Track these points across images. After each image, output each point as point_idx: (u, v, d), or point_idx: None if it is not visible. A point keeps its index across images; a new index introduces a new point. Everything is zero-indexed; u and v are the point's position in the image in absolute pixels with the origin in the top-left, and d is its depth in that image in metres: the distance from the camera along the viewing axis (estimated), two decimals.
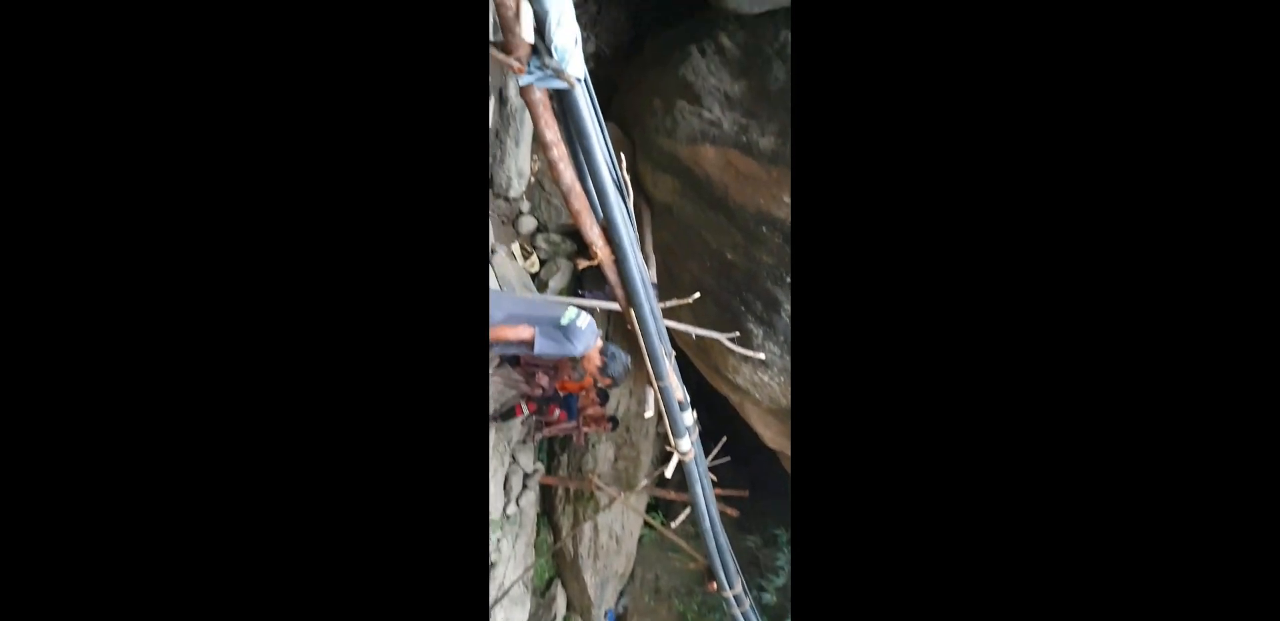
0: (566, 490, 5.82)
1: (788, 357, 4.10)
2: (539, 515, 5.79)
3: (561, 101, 1.96)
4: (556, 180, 2.19)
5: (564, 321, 2.59)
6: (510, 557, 5.14)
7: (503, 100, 4.27)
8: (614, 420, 4.83)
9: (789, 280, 3.90)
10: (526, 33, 1.63)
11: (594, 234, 2.38)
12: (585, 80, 1.89)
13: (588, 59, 1.89)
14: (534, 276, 5.02)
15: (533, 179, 4.98)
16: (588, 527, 5.71)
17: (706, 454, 3.98)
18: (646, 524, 5.97)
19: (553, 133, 2.02)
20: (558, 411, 4.66)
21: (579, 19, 1.92)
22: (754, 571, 6.05)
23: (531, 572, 5.54)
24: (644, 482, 5.44)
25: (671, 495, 5.32)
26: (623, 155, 2.31)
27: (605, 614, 5.87)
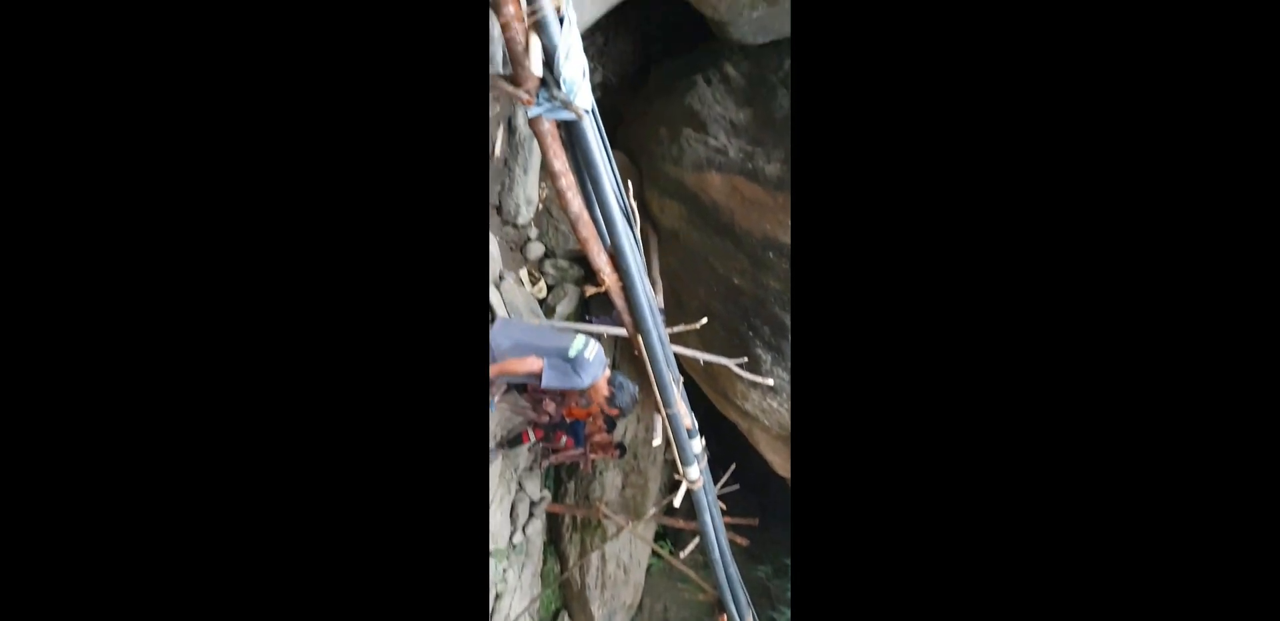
0: (573, 518, 5.74)
1: None
2: (545, 544, 5.69)
3: (570, 132, 1.99)
4: (565, 208, 2.21)
5: (572, 353, 2.59)
6: (516, 588, 5.04)
7: (511, 129, 4.34)
8: (621, 447, 4.78)
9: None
10: (536, 65, 1.66)
11: (601, 261, 2.39)
12: (593, 111, 1.92)
13: (595, 89, 1.93)
14: (541, 302, 5.03)
15: (541, 206, 5.03)
16: (595, 557, 5.61)
17: (715, 481, 3.92)
18: (655, 553, 5.85)
19: (561, 162, 2.04)
20: (564, 438, 4.61)
21: (586, 51, 1.96)
22: (765, 602, 5.90)
23: (538, 603, 5.42)
24: (652, 511, 5.35)
25: (680, 524, 5.23)
26: (629, 183, 2.34)
27: None
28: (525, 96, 1.73)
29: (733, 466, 4.85)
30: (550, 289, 5.17)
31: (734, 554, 3.78)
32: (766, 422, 4.47)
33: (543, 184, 4.91)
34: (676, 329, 3.44)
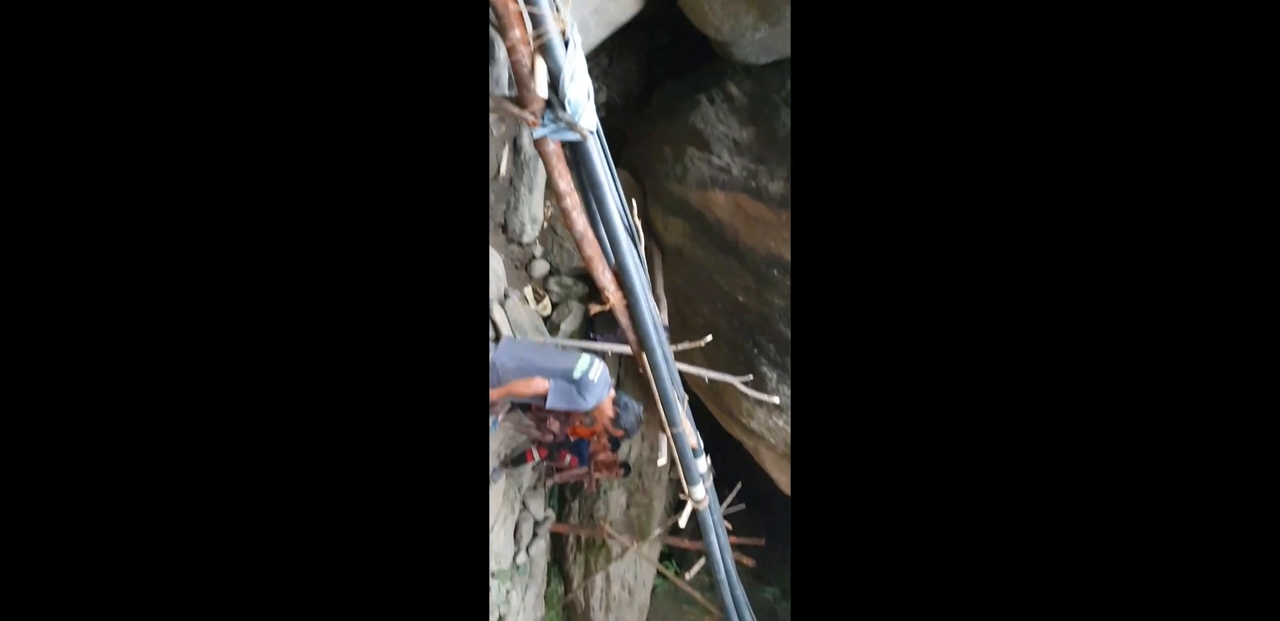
0: (578, 538, 5.67)
1: None
2: (549, 564, 5.62)
3: (574, 152, 2.01)
4: (570, 227, 2.22)
5: (576, 374, 2.58)
6: (520, 610, 4.97)
7: (517, 149, 4.38)
8: (626, 466, 4.74)
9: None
10: (541, 88, 1.68)
11: (606, 279, 2.40)
12: (597, 131, 1.94)
13: (599, 108, 1.94)
14: (546, 320, 5.03)
15: (546, 224, 5.06)
16: (600, 578, 5.53)
17: (721, 501, 3.88)
18: (660, 574, 5.78)
19: (566, 182, 2.06)
20: (569, 457, 4.58)
21: (591, 71, 1.98)
22: None
23: None
24: (657, 531, 5.29)
25: (686, 544, 5.16)
26: (634, 201, 2.35)
27: None
28: (531, 118, 1.75)
29: (738, 486, 4.80)
30: (555, 306, 5.17)
31: (740, 575, 3.72)
32: (772, 441, 4.43)
33: (548, 202, 4.95)
34: (681, 346, 3.44)
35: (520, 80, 1.71)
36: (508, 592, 4.89)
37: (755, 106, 4.31)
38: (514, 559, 5.00)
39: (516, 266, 4.97)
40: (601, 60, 5.10)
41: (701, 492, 3.20)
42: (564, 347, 4.22)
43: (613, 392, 2.79)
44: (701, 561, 4.53)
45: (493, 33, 2.09)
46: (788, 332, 4.02)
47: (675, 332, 4.45)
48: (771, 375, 4.11)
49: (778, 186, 3.99)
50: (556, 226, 5.05)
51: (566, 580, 5.71)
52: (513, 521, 5.02)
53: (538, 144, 1.92)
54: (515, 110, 1.76)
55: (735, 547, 4.06)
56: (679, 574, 5.18)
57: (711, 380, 3.89)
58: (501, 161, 4.38)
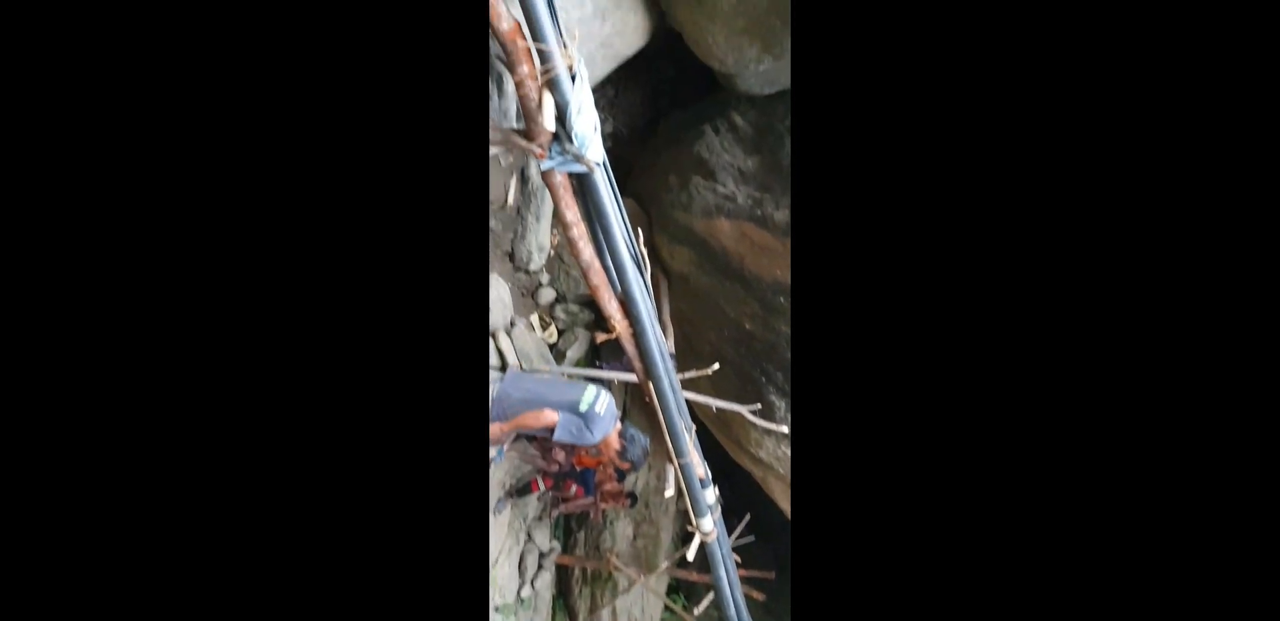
0: (583, 571, 5.56)
1: None
2: (554, 598, 5.50)
3: (581, 183, 2.03)
4: (576, 257, 2.23)
5: (583, 406, 2.57)
6: None
7: (524, 179, 4.44)
8: (633, 496, 4.67)
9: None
10: (548, 121, 1.71)
11: (612, 307, 2.40)
12: (603, 163, 1.96)
13: (606, 138, 1.97)
14: (552, 347, 5.02)
15: (552, 252, 5.09)
16: (606, 613, 5.40)
17: (730, 532, 3.81)
18: (668, 608, 5.63)
19: (573, 213, 2.08)
20: (574, 487, 4.52)
21: (598, 103, 2.02)
22: None
23: None
24: (665, 564, 5.18)
25: (694, 577, 5.05)
26: (640, 230, 2.37)
27: None
28: (539, 150, 1.77)
29: (747, 517, 4.72)
30: (561, 333, 5.17)
31: (750, 609, 3.62)
32: (781, 471, 4.36)
33: (554, 230, 4.99)
34: (688, 375, 3.41)
35: (528, 114, 1.73)
36: None
37: (759, 136, 4.36)
38: (518, 592, 4.89)
39: (523, 294, 4.99)
40: (608, 92, 5.19)
41: (710, 524, 3.13)
42: (569, 377, 4.21)
43: (619, 425, 2.76)
44: (710, 595, 4.43)
45: (501, 67, 2.14)
46: None
47: (682, 360, 4.42)
48: (780, 404, 4.06)
49: (782, 215, 4.01)
50: (563, 254, 5.08)
51: (572, 614, 5.58)
52: (517, 553, 4.93)
53: (545, 176, 1.94)
54: (523, 143, 1.79)
55: (745, 581, 3.96)
56: (687, 608, 5.05)
57: (719, 409, 3.85)
58: (509, 191, 4.43)
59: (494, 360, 4.13)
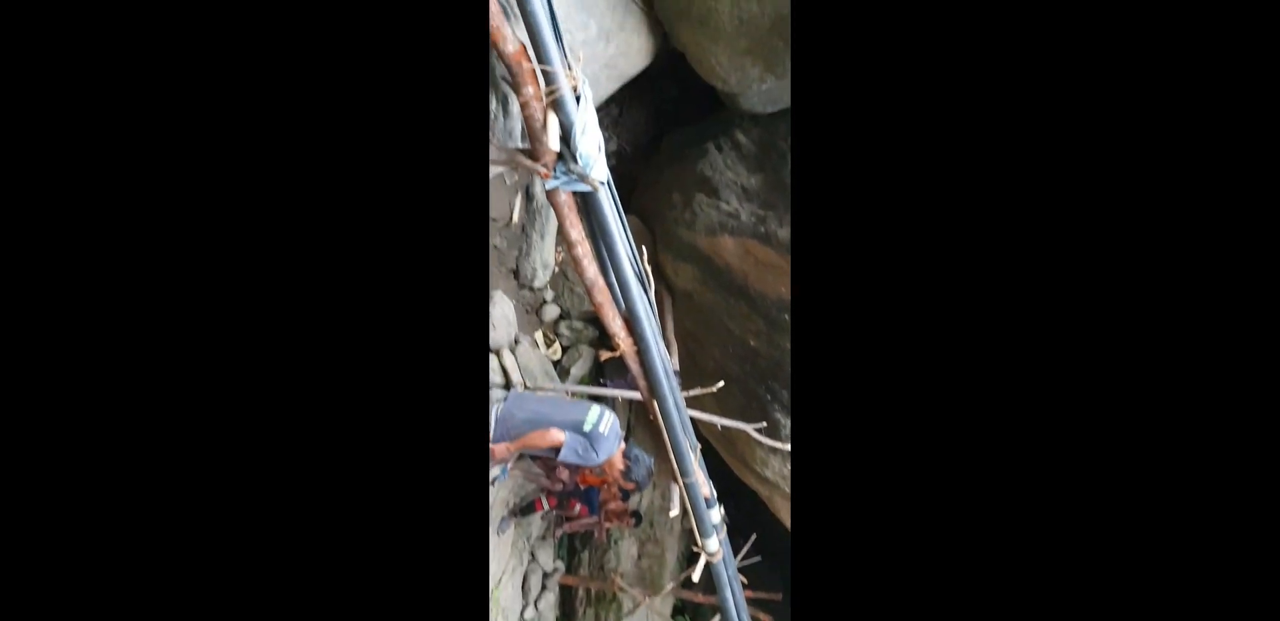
0: (588, 591, 5.48)
1: None
2: (558, 619, 5.42)
3: (586, 202, 2.04)
4: (581, 275, 2.24)
5: (586, 426, 2.55)
6: None
7: (529, 197, 4.47)
8: (637, 515, 4.62)
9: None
10: (553, 141, 1.72)
11: (617, 326, 2.40)
12: (608, 182, 1.97)
13: (610, 156, 1.99)
14: (556, 364, 5.02)
15: (557, 268, 5.10)
16: None
17: (736, 553, 3.76)
18: None
19: (577, 231, 2.09)
20: (578, 506, 4.47)
21: (602, 121, 2.03)
22: None
23: None
24: (670, 585, 5.11)
25: (700, 598, 4.97)
26: (644, 248, 2.38)
27: None
28: (543, 170, 1.78)
29: (753, 537, 4.65)
30: (565, 351, 5.16)
31: None
32: (787, 490, 4.32)
33: (558, 247, 5.01)
34: (693, 392, 3.39)
35: (533, 134, 1.75)
36: None
37: (763, 154, 4.39)
38: (521, 613, 4.83)
39: (527, 311, 4.99)
40: (612, 111, 5.25)
41: (715, 545, 3.10)
42: (573, 395, 4.19)
43: (623, 445, 2.74)
44: (716, 617, 4.35)
45: (507, 88, 2.16)
46: None
47: (687, 377, 4.41)
48: (785, 422, 4.04)
49: (786, 232, 4.02)
50: (567, 271, 5.09)
51: None
52: (521, 573, 4.88)
53: (550, 195, 1.95)
54: (528, 163, 1.80)
55: (751, 603, 3.90)
56: None
57: (724, 427, 3.82)
58: (514, 209, 4.46)
59: (498, 378, 4.12)
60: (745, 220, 4.23)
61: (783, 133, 4.31)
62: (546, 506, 4.46)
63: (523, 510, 4.48)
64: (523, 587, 4.89)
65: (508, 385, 4.12)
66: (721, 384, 3.43)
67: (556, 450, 2.53)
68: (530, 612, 4.92)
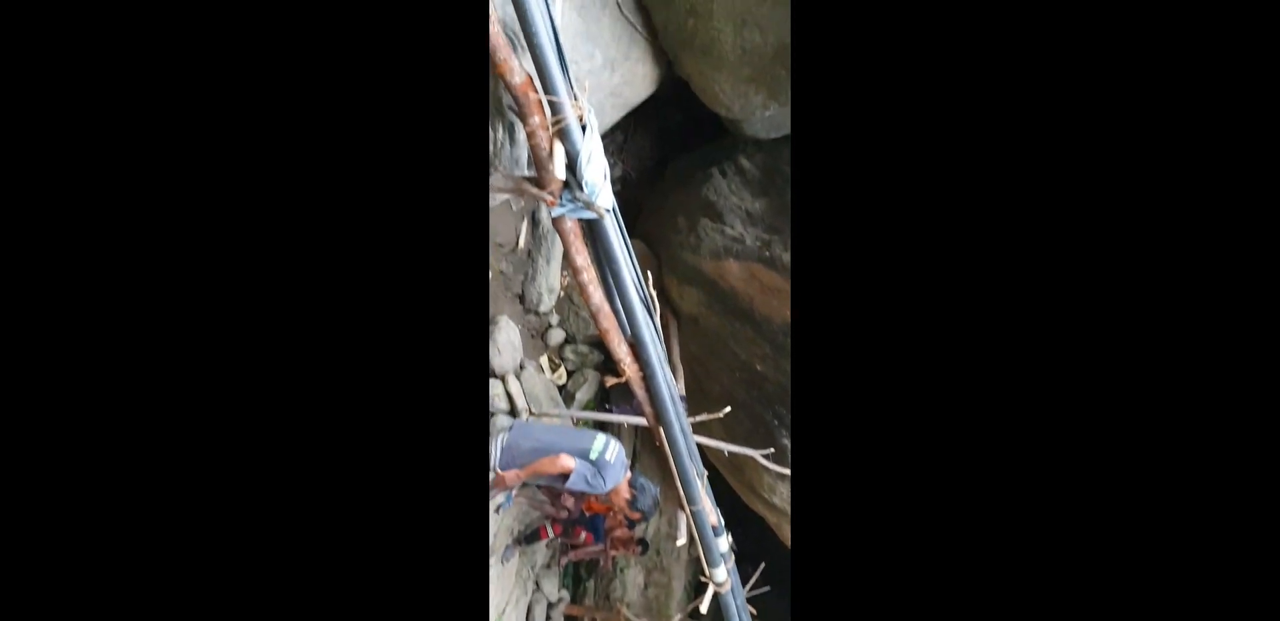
0: None
1: None
2: None
3: (591, 228, 2.05)
4: (586, 301, 2.24)
5: (593, 454, 2.52)
6: None
7: (535, 222, 4.50)
8: (644, 543, 4.54)
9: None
10: (559, 170, 1.74)
11: (622, 351, 2.39)
12: (613, 209, 1.99)
13: (615, 182, 2.00)
14: (561, 389, 4.99)
15: (562, 293, 5.11)
16: None
17: (744, 582, 3.68)
18: None
19: (583, 257, 2.09)
20: (584, 533, 4.40)
21: (607, 148, 2.05)
22: None
23: None
24: (677, 616, 5.00)
25: None
26: (649, 273, 2.38)
27: None
28: (550, 198, 1.80)
29: (762, 566, 4.56)
30: (570, 375, 5.14)
31: None
32: None
33: (564, 271, 5.03)
34: (699, 418, 3.37)
35: (539, 163, 1.76)
36: None
37: (767, 178, 4.42)
38: None
39: (533, 335, 4.99)
40: (617, 137, 5.31)
41: (723, 574, 3.04)
42: (578, 422, 4.15)
43: (629, 474, 2.71)
44: None
45: (513, 117, 2.19)
46: None
47: (693, 402, 4.37)
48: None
49: (791, 256, 4.03)
50: (572, 295, 5.10)
51: None
52: (525, 603, 4.78)
53: (556, 222, 1.96)
54: (535, 191, 1.81)
55: None
56: None
57: (731, 453, 3.78)
58: (520, 234, 4.49)
59: (503, 404, 4.10)
60: (750, 244, 4.25)
61: (786, 158, 4.35)
62: (551, 534, 4.39)
63: (527, 538, 4.41)
64: (527, 618, 4.79)
65: (513, 411, 4.09)
66: (728, 409, 3.40)
67: (565, 477, 2.50)
68: None
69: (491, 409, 4.06)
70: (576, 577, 5.54)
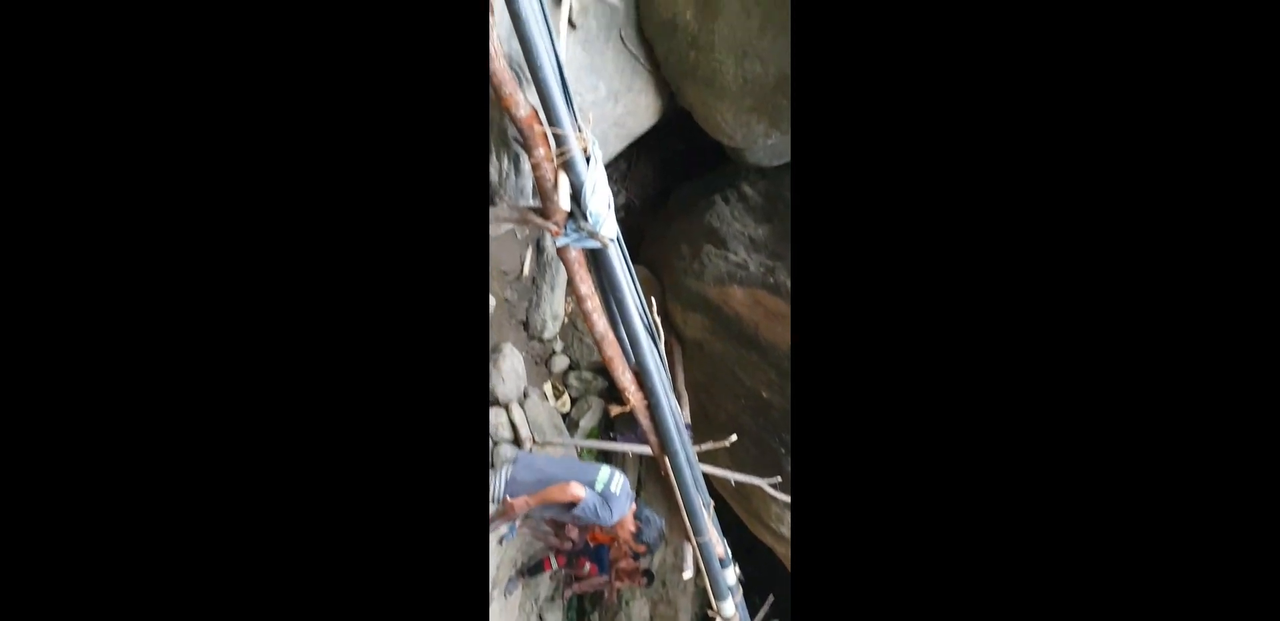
0: None
1: None
2: None
3: (595, 257, 2.06)
4: (591, 329, 2.23)
5: (598, 487, 2.49)
6: None
7: (540, 250, 4.53)
8: (649, 574, 4.46)
9: None
10: (564, 200, 1.75)
11: (627, 379, 2.37)
12: (617, 239, 2.00)
13: (618, 210, 2.01)
14: (565, 417, 4.96)
15: (566, 319, 5.12)
16: None
17: (753, 614, 3.60)
18: None
19: (587, 286, 2.10)
20: (588, 565, 4.32)
21: (611, 176, 2.07)
22: None
23: None
24: None
25: None
26: (653, 300, 2.37)
27: None
28: (554, 228, 1.81)
29: (770, 598, 4.46)
30: (574, 402, 5.11)
31: None
32: None
33: (568, 298, 5.04)
34: (705, 447, 3.33)
35: (544, 193, 1.78)
36: None
37: (769, 205, 4.45)
38: None
39: (537, 362, 4.98)
40: (620, 166, 5.38)
41: (731, 608, 2.96)
42: (583, 450, 4.11)
43: (634, 505, 2.67)
44: None
45: (518, 148, 2.22)
46: None
47: (698, 429, 4.33)
48: None
49: None
50: (577, 322, 5.10)
51: None
52: None
53: (560, 251, 1.97)
54: (540, 221, 1.82)
55: None
56: None
57: (738, 482, 3.73)
58: (525, 262, 4.52)
59: (506, 432, 4.07)
60: (754, 270, 4.25)
61: (789, 184, 4.38)
62: (555, 565, 4.31)
63: (531, 570, 4.33)
64: None
65: (516, 440, 4.06)
66: (735, 438, 3.37)
67: (575, 504, 2.46)
68: None
69: (495, 438, 4.03)
70: (581, 610, 5.41)
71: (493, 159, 2.48)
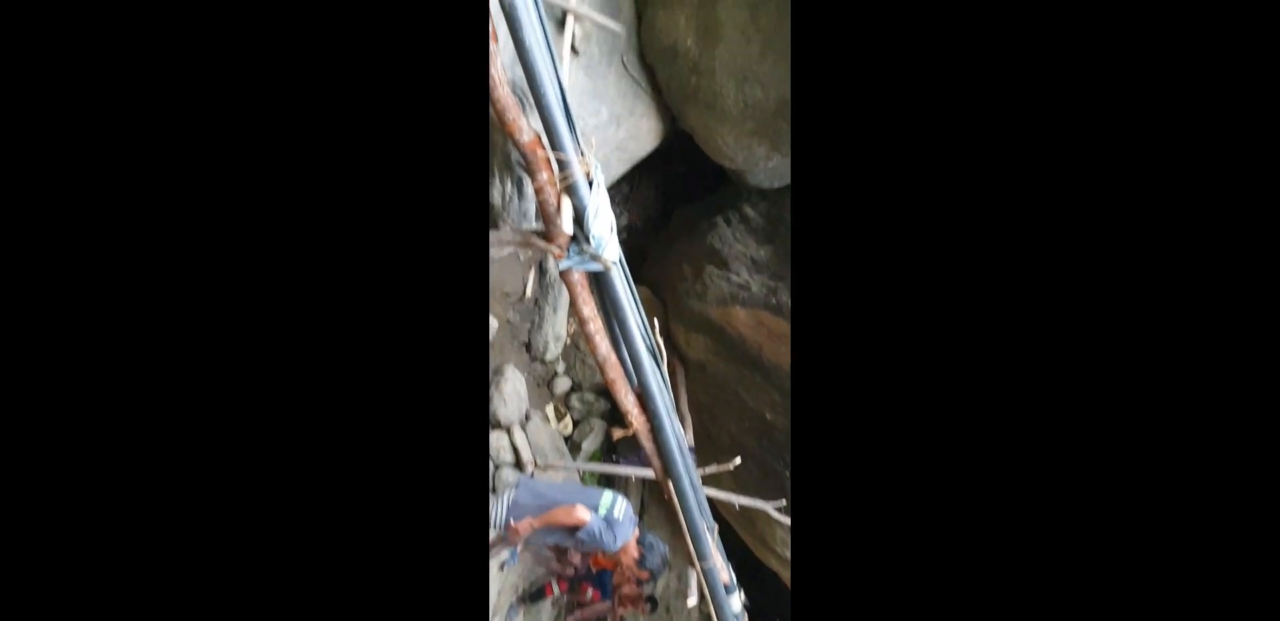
0: None
1: None
2: None
3: (598, 280, 2.06)
4: (593, 351, 2.23)
5: (601, 511, 2.46)
6: None
7: (542, 271, 4.54)
8: (652, 600, 4.37)
9: None
10: (566, 224, 1.76)
11: (629, 402, 2.36)
12: (619, 261, 2.00)
13: (621, 232, 2.02)
14: (567, 439, 4.92)
15: (568, 341, 5.11)
16: None
17: None
18: None
19: (590, 308, 2.10)
20: (590, 590, 4.25)
21: (613, 198, 2.09)
22: None
23: None
24: None
25: None
26: (655, 321, 2.37)
27: None
28: (557, 251, 1.81)
29: None
30: (576, 424, 5.07)
31: None
32: None
33: (571, 319, 5.04)
34: (709, 470, 3.29)
35: (547, 217, 1.79)
36: None
37: (771, 226, 4.47)
38: None
39: (539, 384, 4.96)
40: (623, 188, 5.42)
41: None
42: (585, 474, 4.07)
43: (637, 531, 2.63)
44: None
45: (522, 172, 2.24)
46: None
47: (702, 451, 4.29)
48: None
49: None
50: (579, 343, 5.09)
51: None
52: None
53: (563, 274, 1.98)
54: (543, 244, 1.83)
55: None
56: None
57: (742, 506, 3.68)
58: (527, 284, 4.53)
59: (508, 456, 4.04)
60: (756, 291, 4.26)
61: (789, 206, 4.41)
62: (557, 591, 4.24)
63: (532, 596, 4.26)
64: None
65: (518, 463, 4.02)
66: (739, 461, 3.33)
67: (580, 527, 2.42)
68: None
69: (497, 461, 3.99)
70: None
71: (496, 183, 2.50)
